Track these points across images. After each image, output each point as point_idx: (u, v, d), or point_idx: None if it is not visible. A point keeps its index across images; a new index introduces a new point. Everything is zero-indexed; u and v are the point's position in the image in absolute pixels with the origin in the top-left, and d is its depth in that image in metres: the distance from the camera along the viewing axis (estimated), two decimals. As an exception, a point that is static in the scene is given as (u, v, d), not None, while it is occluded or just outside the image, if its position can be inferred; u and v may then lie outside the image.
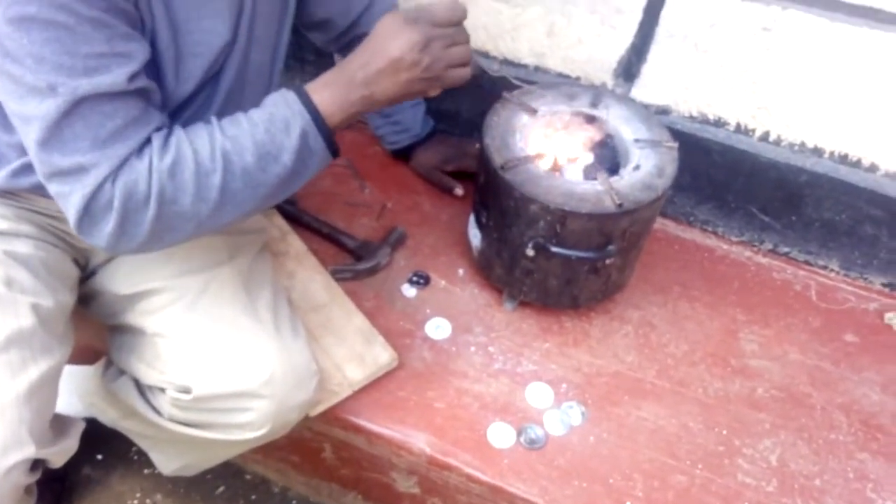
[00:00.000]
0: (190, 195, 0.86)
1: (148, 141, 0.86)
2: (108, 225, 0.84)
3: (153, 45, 0.87)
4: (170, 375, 1.06)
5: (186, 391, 1.05)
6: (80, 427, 1.19)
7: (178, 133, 0.88)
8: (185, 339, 1.07)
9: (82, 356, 1.36)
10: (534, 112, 1.29)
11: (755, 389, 1.32)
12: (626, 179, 1.20)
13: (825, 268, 1.51)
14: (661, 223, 1.58)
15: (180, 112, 0.97)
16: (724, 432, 1.26)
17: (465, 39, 0.96)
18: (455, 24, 0.94)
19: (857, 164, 1.37)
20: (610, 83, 1.46)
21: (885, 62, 1.24)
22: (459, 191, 1.57)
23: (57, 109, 0.79)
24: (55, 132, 0.80)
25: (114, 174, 0.82)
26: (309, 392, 1.10)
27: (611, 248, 1.20)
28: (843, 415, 1.30)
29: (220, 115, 0.92)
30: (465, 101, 1.59)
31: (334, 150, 0.95)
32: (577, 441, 1.23)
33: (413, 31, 0.91)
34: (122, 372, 1.20)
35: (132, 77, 0.82)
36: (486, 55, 1.53)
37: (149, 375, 1.09)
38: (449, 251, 1.50)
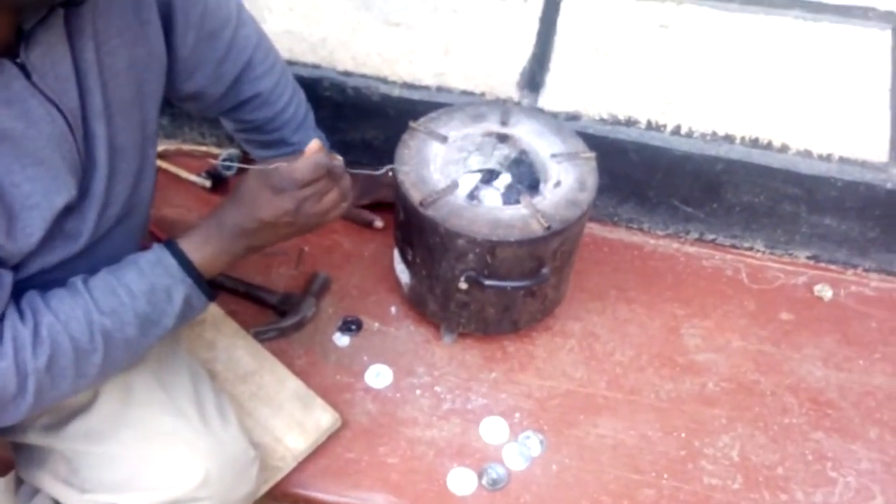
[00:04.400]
0: (70, 378, 0.84)
1: (8, 333, 0.79)
2: None
3: None
4: (92, 493, 0.95)
5: (115, 508, 0.94)
6: None
7: (49, 319, 0.82)
8: (102, 451, 0.96)
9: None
10: (444, 139, 1.23)
11: (705, 385, 1.31)
12: (549, 198, 1.16)
13: (751, 249, 1.52)
14: (586, 227, 1.55)
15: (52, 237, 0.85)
16: (683, 435, 1.25)
17: (336, 182, 0.95)
18: (322, 178, 0.93)
19: (768, 146, 1.38)
20: (515, 95, 1.42)
21: (784, 46, 1.25)
22: (379, 223, 1.50)
23: None
24: None
25: None
26: (251, 482, 1.01)
27: (544, 271, 1.16)
28: (793, 396, 1.31)
29: (97, 226, 0.88)
30: (369, 129, 1.52)
31: (213, 298, 0.97)
32: (541, 472, 1.19)
33: (282, 200, 0.91)
34: (37, 489, 1.07)
35: None
36: (384, 80, 1.46)
37: (68, 496, 0.98)
38: (377, 289, 1.42)
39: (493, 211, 1.15)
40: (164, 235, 1.30)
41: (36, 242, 0.81)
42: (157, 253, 0.91)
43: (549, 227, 1.11)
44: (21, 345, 0.79)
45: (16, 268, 0.83)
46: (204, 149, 1.65)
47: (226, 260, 0.96)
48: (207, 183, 1.57)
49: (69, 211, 0.85)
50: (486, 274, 1.15)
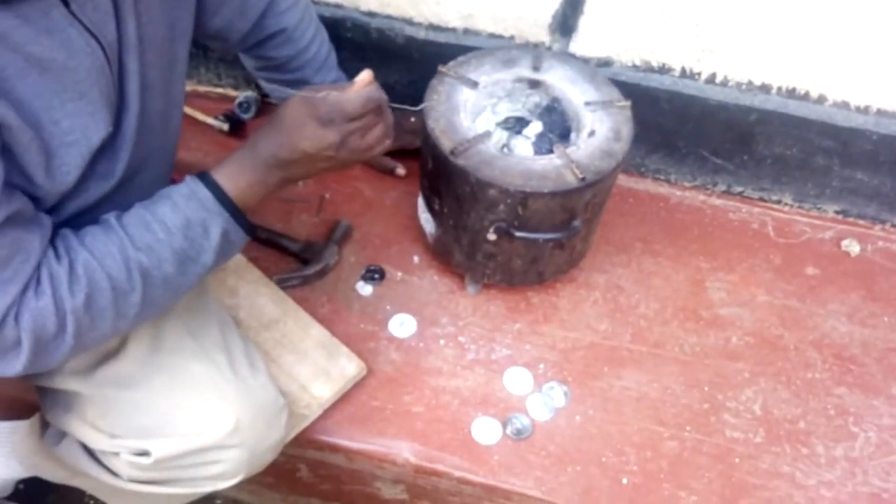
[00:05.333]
0: (109, 319, 0.82)
1: (44, 271, 0.77)
2: (18, 363, 0.78)
3: (10, 150, 0.72)
4: (121, 439, 0.95)
5: (144, 454, 0.94)
6: None
7: (84, 256, 0.79)
8: (131, 397, 0.95)
9: (10, 410, 1.22)
10: (474, 84, 1.19)
11: (729, 339, 1.31)
12: (584, 148, 1.13)
13: (779, 202, 1.50)
14: (611, 177, 1.53)
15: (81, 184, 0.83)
16: (706, 388, 1.25)
17: (383, 117, 0.92)
18: (371, 112, 0.89)
19: (805, 97, 1.34)
20: (546, 39, 1.37)
21: (828, -9, 1.20)
22: (401, 171, 1.47)
23: None
24: None
25: (15, 316, 0.74)
26: (280, 429, 1.01)
27: (576, 223, 1.14)
28: (817, 351, 1.30)
29: (128, 166, 0.84)
30: (392, 73, 1.47)
31: (253, 232, 0.93)
32: (565, 423, 1.19)
33: (328, 132, 0.87)
34: (64, 433, 1.07)
35: None
36: (409, 21, 1.40)
37: (97, 440, 0.98)
38: (400, 238, 1.40)
39: (526, 161, 1.12)
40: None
41: (73, 181, 0.79)
42: (191, 185, 0.87)
43: (583, 179, 1.08)
44: (58, 283, 0.77)
45: (49, 211, 0.81)
46: (220, 90, 1.60)
47: (261, 191, 0.91)
48: (225, 126, 1.53)
49: (102, 150, 0.82)
50: (516, 225, 1.13)
